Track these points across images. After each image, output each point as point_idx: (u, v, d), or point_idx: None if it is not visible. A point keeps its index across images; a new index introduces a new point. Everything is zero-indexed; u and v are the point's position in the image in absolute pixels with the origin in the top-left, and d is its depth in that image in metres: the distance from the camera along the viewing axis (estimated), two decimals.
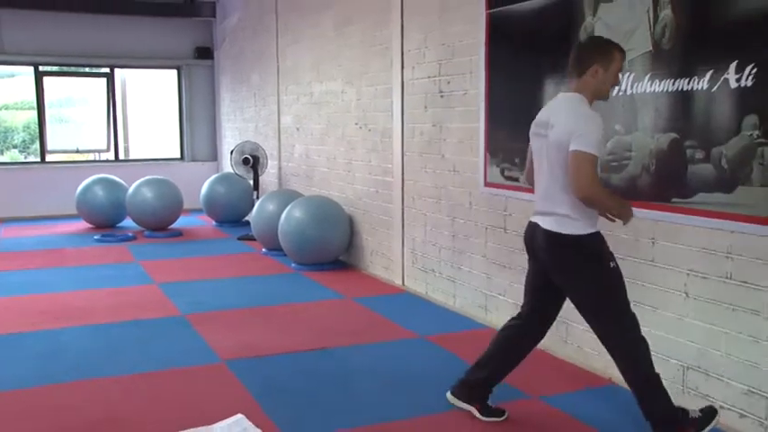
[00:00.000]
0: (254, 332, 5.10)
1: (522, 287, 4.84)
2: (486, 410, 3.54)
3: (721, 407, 3.45)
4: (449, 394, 3.65)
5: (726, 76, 3.33)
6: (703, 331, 3.53)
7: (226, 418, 3.38)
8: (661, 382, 3.23)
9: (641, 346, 3.22)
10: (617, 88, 3.95)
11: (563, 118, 3.12)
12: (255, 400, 3.86)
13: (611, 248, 3.27)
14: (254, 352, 4.65)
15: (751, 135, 3.23)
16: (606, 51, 3.18)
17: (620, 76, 3.26)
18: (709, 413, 3.26)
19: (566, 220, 3.16)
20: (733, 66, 3.29)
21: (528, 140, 3.44)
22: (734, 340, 3.39)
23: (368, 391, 4.02)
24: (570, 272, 3.24)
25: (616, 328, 3.24)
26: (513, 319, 3.58)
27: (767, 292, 3.22)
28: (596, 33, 4.08)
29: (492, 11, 5.00)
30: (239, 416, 3.38)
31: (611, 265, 3.18)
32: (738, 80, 3.27)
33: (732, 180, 3.33)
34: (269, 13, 9.46)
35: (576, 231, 3.15)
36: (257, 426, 3.36)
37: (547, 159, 3.20)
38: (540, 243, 3.27)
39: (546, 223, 3.23)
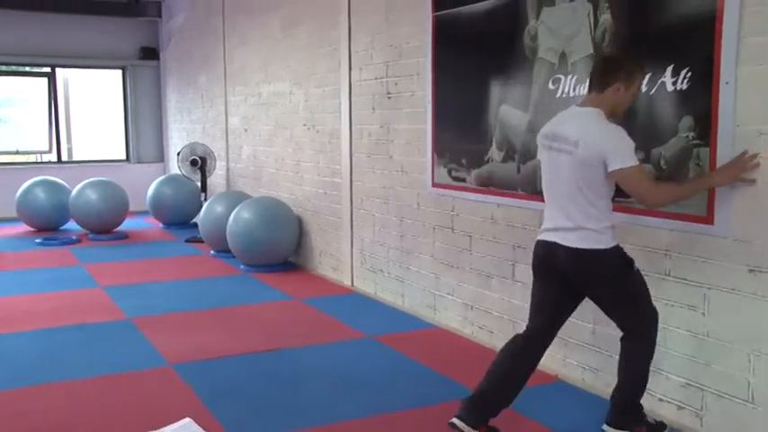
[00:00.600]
0: (203, 335, 5.05)
1: (470, 287, 4.93)
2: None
3: (660, 400, 3.56)
4: None
5: (663, 79, 3.43)
6: None
7: (173, 422, 3.35)
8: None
9: (655, 338, 3.32)
10: (561, 91, 4.04)
11: (589, 136, 3.03)
12: (204, 403, 3.83)
13: None
14: (202, 355, 4.60)
15: (687, 137, 3.34)
16: (631, 71, 3.12)
17: (638, 97, 3.22)
18: (662, 425, 3.39)
19: (593, 234, 3.11)
20: (669, 69, 3.40)
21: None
22: (673, 335, 3.49)
23: (317, 392, 4.03)
24: (605, 282, 3.22)
25: (645, 324, 3.29)
26: (516, 339, 3.39)
27: (704, 289, 3.33)
28: (539, 36, 4.17)
29: (438, 13, 5.05)
30: (187, 420, 3.36)
31: (636, 269, 3.23)
32: (674, 83, 3.38)
33: (670, 180, 3.43)
34: (216, 15, 9.37)
35: (606, 245, 3.13)
36: (205, 429, 3.34)
37: (571, 175, 3.10)
38: (566, 261, 3.18)
39: (570, 241, 3.15)
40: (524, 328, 3.39)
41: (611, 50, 3.73)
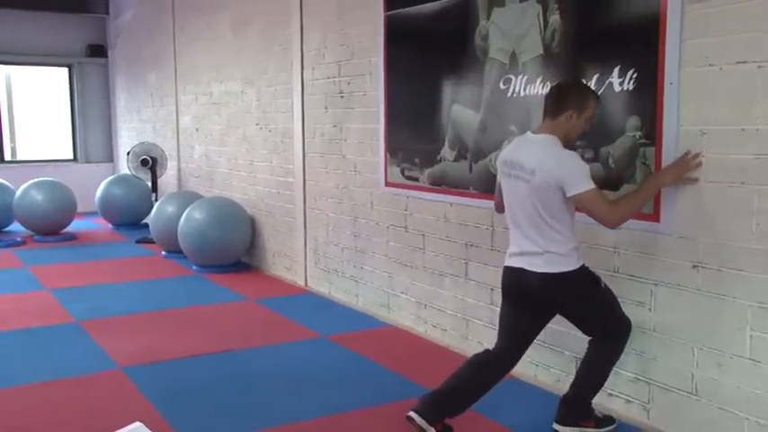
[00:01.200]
0: (154, 337, 4.98)
1: (423, 285, 4.96)
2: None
3: (610, 395, 3.63)
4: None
5: (610, 79, 3.50)
6: None
7: (123, 427, 3.29)
8: None
9: (624, 345, 3.38)
10: (512, 90, 4.09)
11: (545, 164, 3.08)
12: (155, 406, 3.77)
13: None
14: (153, 357, 4.54)
15: (634, 136, 3.41)
16: (583, 98, 3.18)
17: (589, 122, 3.25)
18: (610, 419, 3.46)
19: (558, 257, 3.15)
20: (616, 70, 3.46)
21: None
22: None
23: (271, 393, 4.00)
24: (575, 303, 3.28)
25: (616, 334, 3.35)
26: (486, 353, 3.43)
27: (650, 285, 3.41)
28: (490, 36, 4.21)
29: (390, 12, 5.07)
30: (137, 424, 3.29)
31: (603, 285, 3.29)
32: (621, 84, 3.45)
33: (618, 178, 3.51)
34: (165, 13, 9.23)
35: (572, 267, 3.17)
36: None
37: (531, 202, 3.14)
38: (534, 286, 3.22)
39: (537, 266, 3.19)
40: (494, 346, 3.42)
41: (560, 51, 3.78)
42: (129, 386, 4.08)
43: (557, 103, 3.19)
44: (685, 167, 3.16)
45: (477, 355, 3.42)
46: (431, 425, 3.26)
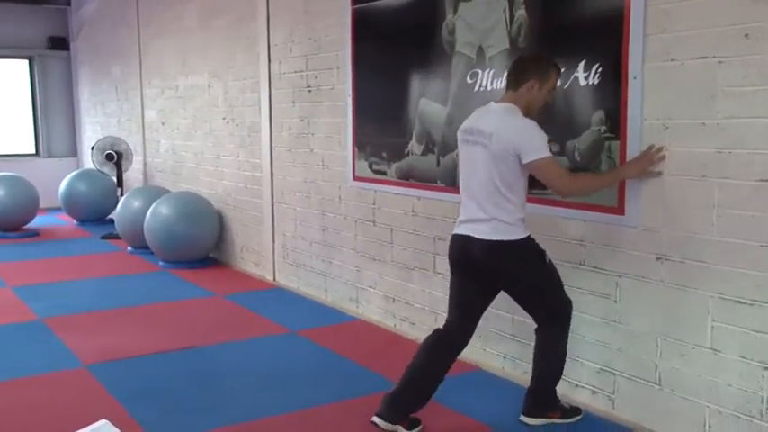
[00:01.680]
0: (120, 334, 4.92)
1: (392, 279, 4.96)
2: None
3: (576, 386, 3.67)
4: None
5: (576, 74, 3.53)
6: None
7: (89, 424, 3.25)
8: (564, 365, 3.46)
9: (569, 327, 3.40)
10: (479, 84, 4.11)
11: (503, 130, 3.12)
12: (121, 404, 3.73)
13: None
14: (119, 354, 4.48)
15: (599, 130, 3.45)
16: (544, 69, 3.23)
17: (550, 94, 3.30)
18: (577, 410, 3.49)
19: (504, 226, 3.18)
20: (581, 65, 3.50)
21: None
22: (587, 323, 3.61)
23: (239, 389, 3.98)
24: (518, 274, 3.29)
25: (558, 315, 3.38)
26: (436, 332, 3.43)
27: (616, 277, 3.46)
28: (457, 31, 4.22)
29: (357, 6, 5.05)
30: (103, 421, 3.25)
31: (547, 260, 3.31)
32: (587, 78, 3.48)
33: (584, 172, 3.54)
34: (129, 5, 9.10)
35: (517, 236, 3.20)
36: (123, 431, 3.25)
37: (486, 168, 3.16)
38: (479, 254, 3.24)
39: (483, 233, 3.20)
40: (444, 321, 3.44)
41: (526, 45, 3.81)
42: (93, 384, 4.03)
43: (518, 74, 3.25)
44: (649, 161, 3.20)
45: (427, 338, 3.42)
46: (396, 424, 3.28)
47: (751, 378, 2.92)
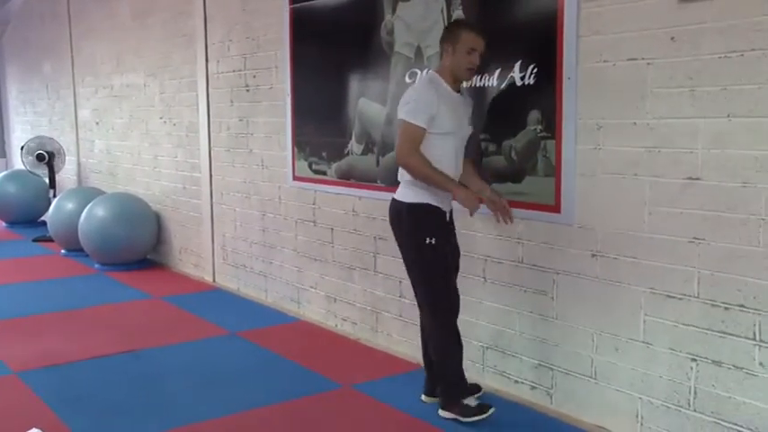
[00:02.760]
0: (52, 339, 4.78)
1: (333, 279, 4.96)
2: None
3: (516, 381, 3.73)
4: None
5: (512, 74, 3.58)
6: (499, 312, 3.79)
7: None
8: (460, 354, 3.45)
9: (445, 323, 3.41)
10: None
11: (404, 93, 3.38)
12: (53, 411, 3.62)
13: None
14: (52, 360, 4.36)
15: (535, 129, 3.51)
16: (452, 31, 3.35)
17: (476, 56, 3.30)
18: (486, 407, 3.48)
19: (406, 185, 3.36)
20: (517, 65, 3.55)
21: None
22: (526, 319, 3.67)
23: (178, 392, 3.91)
24: (401, 239, 3.41)
25: (433, 305, 3.40)
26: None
27: (553, 274, 3.52)
28: (396, 31, 4.24)
29: (295, 5, 5.02)
30: (34, 430, 3.18)
31: (428, 240, 3.29)
32: (523, 78, 3.54)
33: (521, 171, 3.60)
34: (59, 0, 8.86)
35: (410, 200, 3.31)
36: None
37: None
38: (389, 212, 3.45)
39: (396, 193, 3.44)
40: None
41: None
42: (25, 391, 3.90)
43: (439, 43, 3.42)
44: (472, 204, 3.30)
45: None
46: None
47: (680, 370, 3.02)
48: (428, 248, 3.30)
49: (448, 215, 3.43)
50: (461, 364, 3.46)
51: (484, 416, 3.40)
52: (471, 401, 3.45)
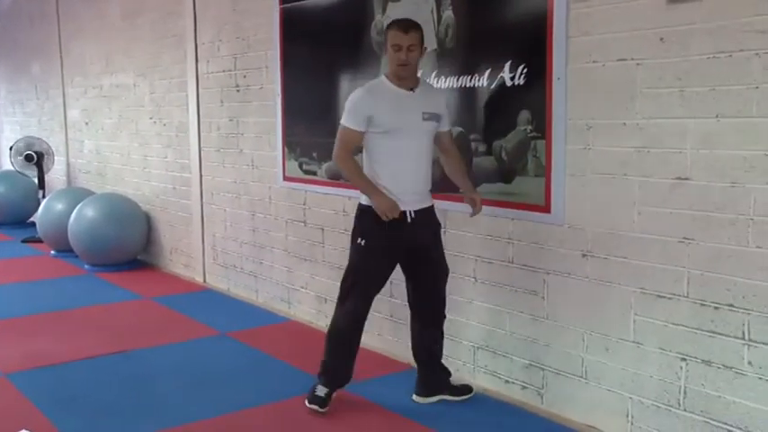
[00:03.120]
0: (43, 340, 4.76)
1: (323, 279, 4.96)
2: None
3: (506, 382, 3.74)
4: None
5: (502, 74, 3.59)
6: (490, 313, 3.80)
7: None
8: (342, 354, 3.62)
9: (354, 314, 3.53)
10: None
11: None
12: (43, 413, 3.60)
13: None
14: (42, 361, 4.33)
15: (525, 129, 3.52)
16: (384, 32, 3.50)
17: (402, 52, 3.31)
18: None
19: None
20: (507, 65, 3.56)
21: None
22: (516, 319, 3.68)
23: (169, 393, 3.90)
24: (351, 236, 3.55)
25: (341, 291, 3.56)
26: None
27: (543, 274, 3.53)
28: None
29: (285, 5, 5.02)
30: None
31: (361, 241, 3.43)
32: (512, 79, 3.55)
33: (511, 171, 3.61)
34: (48, 0, 8.82)
35: (363, 200, 3.46)
36: None
37: None
38: None
39: None
40: None
41: (453, 46, 3.85)
42: (14, 393, 3.88)
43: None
44: (384, 210, 3.32)
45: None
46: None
47: (669, 369, 3.03)
48: (359, 249, 3.46)
49: (409, 215, 3.41)
50: (337, 360, 3.62)
51: (318, 409, 3.52)
52: (322, 392, 3.56)
